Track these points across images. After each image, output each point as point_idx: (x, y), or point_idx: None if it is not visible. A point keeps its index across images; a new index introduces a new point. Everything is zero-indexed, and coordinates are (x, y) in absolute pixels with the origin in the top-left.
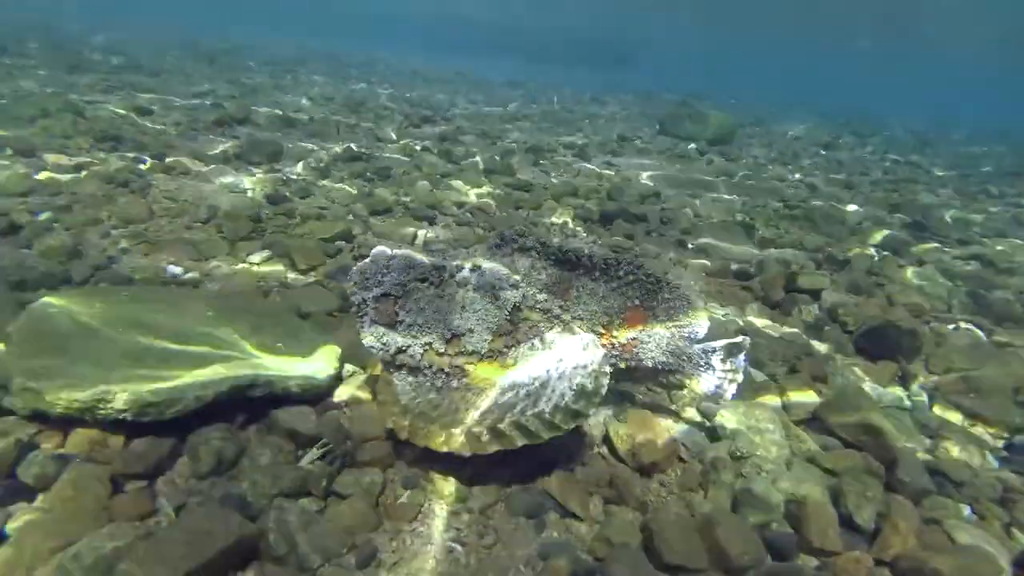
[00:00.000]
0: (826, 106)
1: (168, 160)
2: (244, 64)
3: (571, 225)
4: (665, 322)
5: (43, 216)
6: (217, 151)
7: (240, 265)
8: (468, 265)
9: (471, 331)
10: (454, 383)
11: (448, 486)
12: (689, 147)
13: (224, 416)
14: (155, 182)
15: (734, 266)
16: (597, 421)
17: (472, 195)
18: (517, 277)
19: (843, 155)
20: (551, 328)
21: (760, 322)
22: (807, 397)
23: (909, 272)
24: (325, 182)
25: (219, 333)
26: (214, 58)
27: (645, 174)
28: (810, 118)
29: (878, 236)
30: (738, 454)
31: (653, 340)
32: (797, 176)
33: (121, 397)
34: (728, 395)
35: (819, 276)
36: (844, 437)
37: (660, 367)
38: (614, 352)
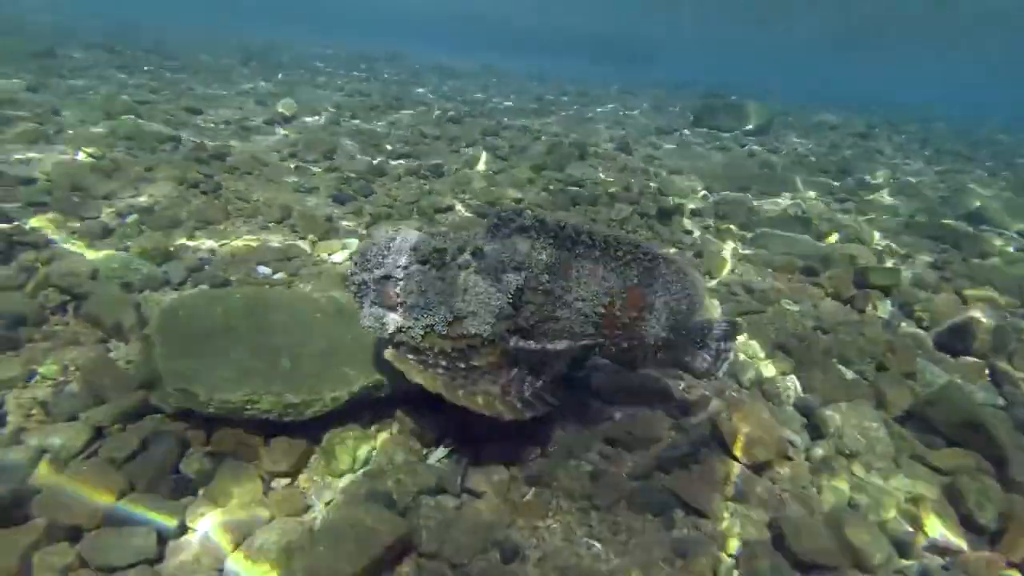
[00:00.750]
0: (852, 100)
1: (229, 160)
2: (278, 61)
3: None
4: (664, 298)
5: (130, 219)
6: (273, 150)
7: (324, 265)
8: (470, 249)
9: (473, 314)
10: (461, 365)
11: (570, 482)
12: (728, 138)
13: (352, 416)
14: (223, 183)
15: (800, 262)
16: (706, 418)
17: (531, 192)
18: (520, 259)
19: (882, 144)
20: (555, 313)
21: (835, 318)
22: (901, 395)
23: (975, 265)
24: (383, 180)
25: (336, 333)
26: (252, 57)
27: (686, 164)
28: (840, 111)
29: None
30: (847, 452)
31: (654, 317)
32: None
33: (267, 399)
34: (720, 372)
35: (890, 271)
36: (947, 435)
37: (660, 343)
38: (617, 332)
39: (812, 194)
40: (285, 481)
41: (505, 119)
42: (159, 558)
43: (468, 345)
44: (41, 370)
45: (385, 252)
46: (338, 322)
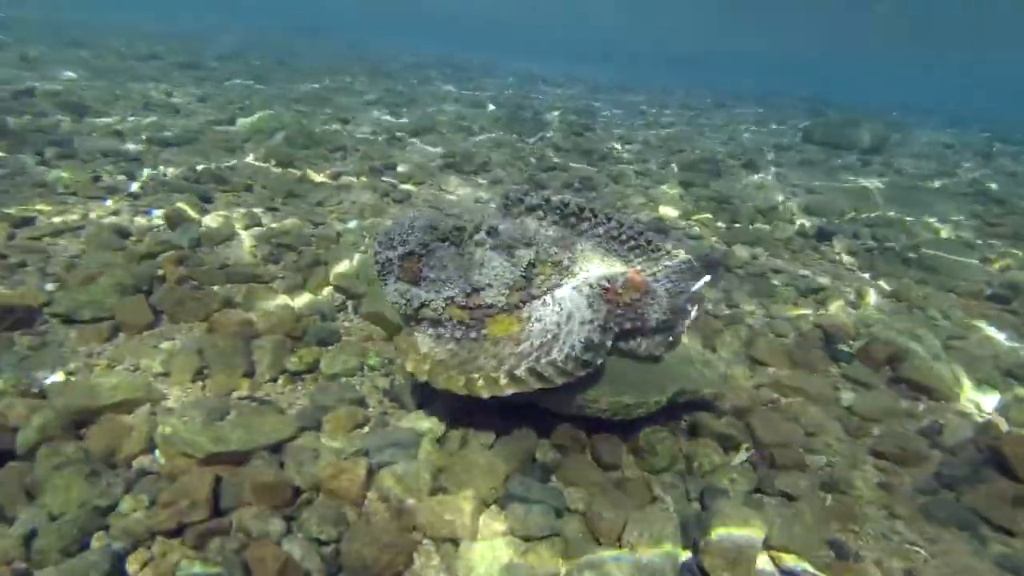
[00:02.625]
0: (948, 111)
1: (400, 169)
2: (387, 69)
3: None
4: (664, 283)
5: (351, 224)
6: (429, 161)
7: None
8: (485, 227)
9: (489, 286)
10: (472, 335)
11: (868, 491)
12: (848, 158)
13: (655, 419)
14: (409, 190)
15: (988, 290)
16: (967, 434)
17: (677, 210)
18: (530, 235)
19: (1006, 162)
20: (562, 282)
21: None
22: None
23: None
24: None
25: None
26: (363, 65)
27: (816, 183)
28: (941, 124)
29: None
30: None
31: (656, 303)
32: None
33: (605, 399)
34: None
35: None
36: None
37: (659, 325)
38: (619, 312)
39: (960, 217)
40: (615, 474)
41: (623, 131)
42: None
43: (484, 314)
44: (369, 362)
45: (408, 231)
46: None
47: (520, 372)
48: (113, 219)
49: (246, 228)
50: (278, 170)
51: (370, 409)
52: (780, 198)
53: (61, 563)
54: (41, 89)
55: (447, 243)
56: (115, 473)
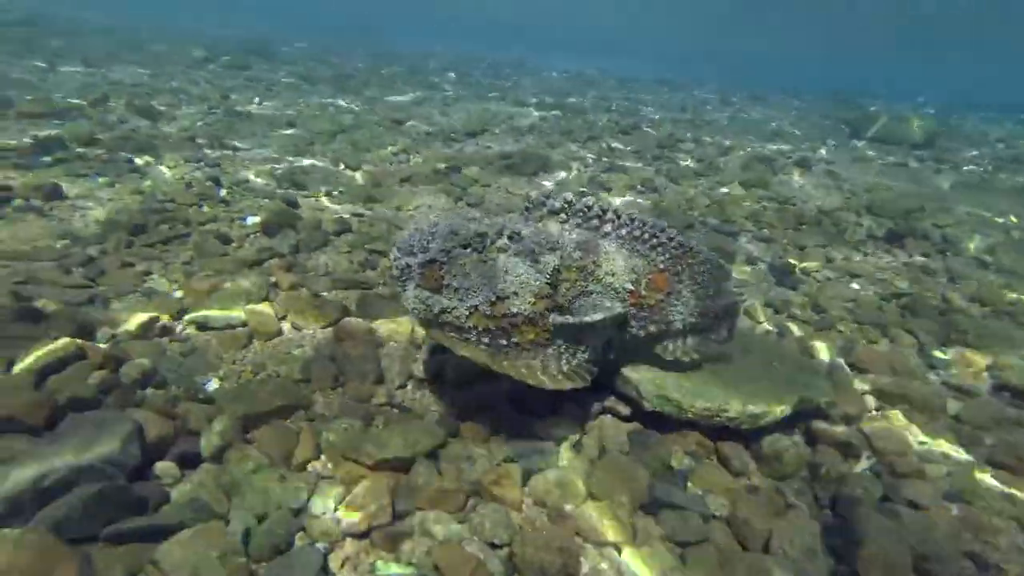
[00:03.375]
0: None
1: (465, 172)
2: (430, 69)
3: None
4: (691, 286)
5: None
6: (488, 162)
7: None
8: (507, 232)
9: (515, 294)
10: (502, 342)
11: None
12: (900, 153)
13: (775, 428)
14: (479, 192)
15: None
16: None
17: (743, 212)
18: (554, 240)
19: None
20: (588, 287)
21: None
22: None
23: None
24: (609, 196)
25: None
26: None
27: (868, 179)
28: (991, 116)
29: None
30: None
31: (681, 303)
32: None
33: (735, 408)
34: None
35: None
36: None
37: (689, 328)
38: (643, 314)
39: None
40: (744, 480)
41: (672, 129)
42: None
43: (510, 324)
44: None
45: (429, 237)
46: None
47: (566, 370)
48: (212, 226)
49: (337, 235)
50: (350, 173)
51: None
52: (841, 198)
53: (273, 560)
54: (114, 94)
55: (469, 249)
56: (299, 477)
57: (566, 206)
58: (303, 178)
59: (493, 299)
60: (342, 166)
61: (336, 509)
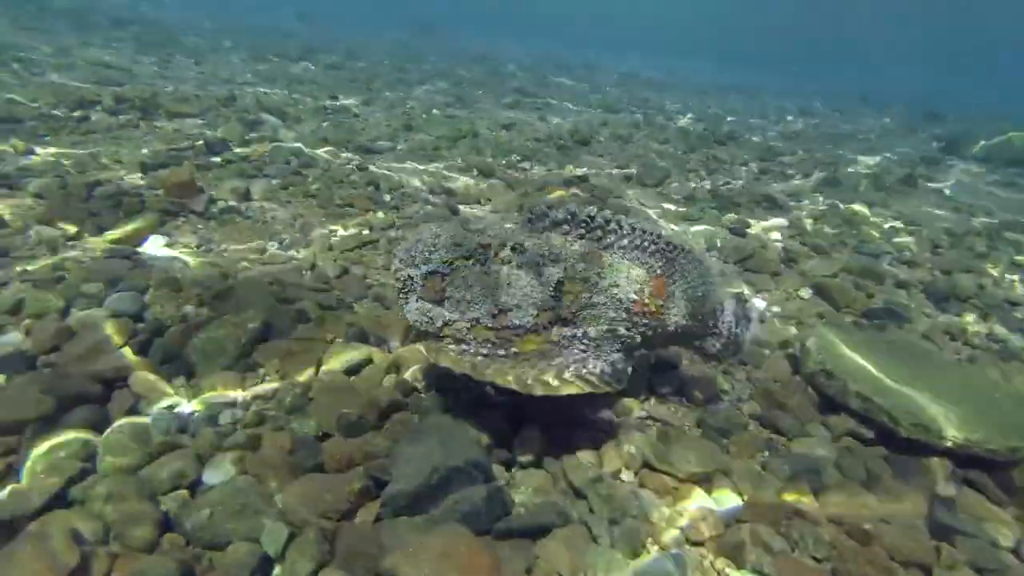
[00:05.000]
0: None
1: (592, 181)
2: (504, 71)
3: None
4: (681, 286)
5: None
6: (602, 170)
7: (793, 300)
8: (510, 244)
9: (517, 307)
10: (500, 352)
11: None
12: (1010, 171)
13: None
14: (612, 202)
15: None
16: None
17: (877, 232)
18: (557, 252)
19: None
20: (592, 299)
21: None
22: None
23: None
24: (737, 214)
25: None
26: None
27: (982, 201)
28: None
29: None
30: None
31: (675, 305)
32: None
33: (995, 441)
34: (732, 358)
35: None
36: None
37: (680, 331)
38: (645, 320)
39: None
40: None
41: (770, 142)
42: None
43: (512, 334)
44: (723, 387)
45: (432, 248)
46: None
47: (568, 375)
48: (395, 232)
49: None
50: (488, 181)
51: (759, 433)
52: (968, 221)
53: (636, 563)
54: (239, 93)
55: (472, 261)
56: (621, 486)
57: (569, 217)
58: (449, 185)
59: (495, 312)
60: (476, 172)
61: (672, 518)
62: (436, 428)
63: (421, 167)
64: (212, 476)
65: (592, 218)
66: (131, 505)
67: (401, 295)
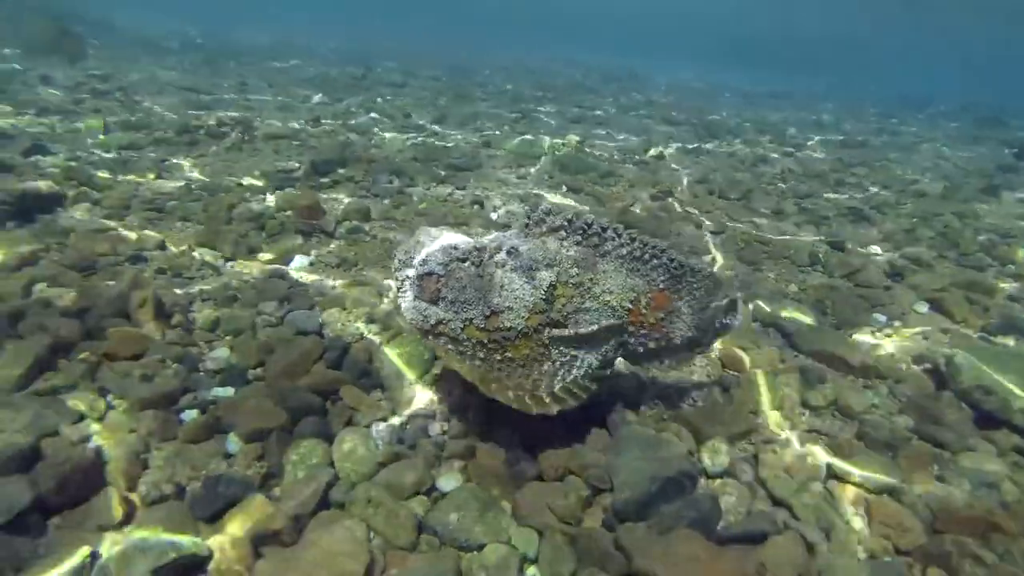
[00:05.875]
0: None
1: (677, 194)
2: (555, 83)
3: None
4: (688, 300)
5: (712, 257)
6: (698, 182)
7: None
8: (505, 247)
9: (509, 308)
10: (496, 356)
11: None
12: None
13: None
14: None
15: None
16: None
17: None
18: (551, 256)
19: None
20: (584, 305)
21: None
22: None
23: None
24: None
25: None
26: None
27: None
28: None
29: None
30: None
31: (682, 320)
32: None
33: None
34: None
35: None
36: None
37: (684, 343)
38: (643, 331)
39: None
40: None
41: (825, 155)
42: None
43: (504, 337)
44: (873, 401)
45: (429, 250)
46: None
47: (558, 391)
48: None
49: None
50: (576, 196)
51: (922, 446)
52: None
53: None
54: (322, 115)
55: (467, 263)
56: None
57: (566, 223)
58: (544, 203)
59: (487, 313)
60: (564, 188)
61: (875, 527)
62: (635, 440)
63: (511, 185)
64: (445, 483)
65: (589, 225)
66: (391, 508)
67: (399, 294)
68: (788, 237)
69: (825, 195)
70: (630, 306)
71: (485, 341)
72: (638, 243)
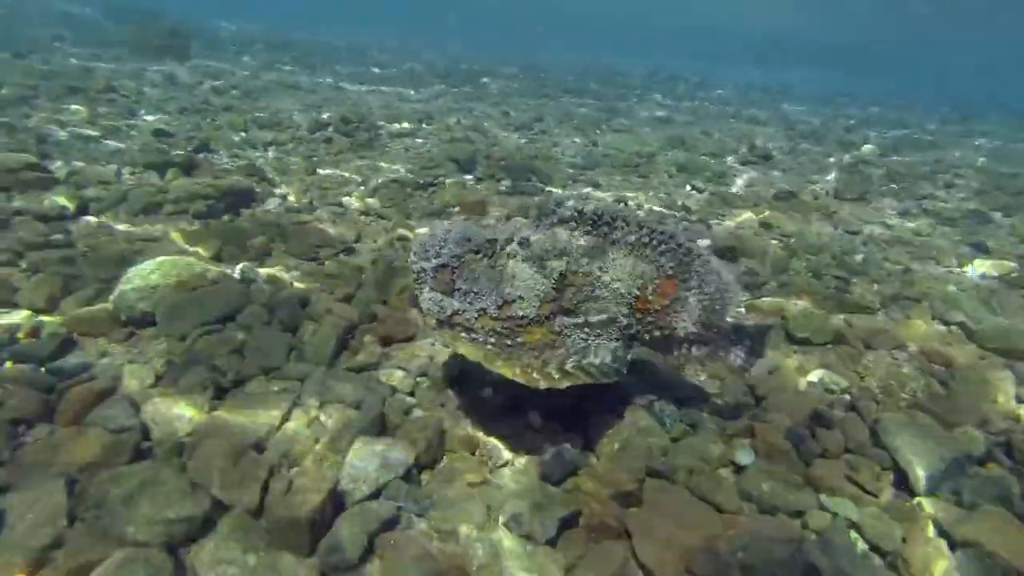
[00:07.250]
0: None
1: (797, 201)
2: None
3: None
4: (697, 295)
5: (863, 255)
6: (824, 190)
7: None
8: (517, 239)
9: (520, 298)
10: (507, 343)
11: None
12: None
13: None
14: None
15: None
16: None
17: None
18: (561, 246)
19: None
20: (594, 293)
21: None
22: None
23: None
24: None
25: None
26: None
27: None
28: None
29: None
30: None
31: (686, 311)
32: None
33: None
34: (753, 370)
35: None
36: None
37: (691, 338)
38: (648, 319)
39: None
40: None
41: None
42: None
43: (517, 325)
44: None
45: (443, 243)
46: None
47: (569, 367)
48: None
49: (789, 261)
50: (705, 196)
51: None
52: None
53: None
54: (436, 115)
55: (480, 255)
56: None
57: (576, 215)
58: (682, 202)
59: (500, 302)
60: (689, 188)
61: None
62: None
63: (635, 185)
64: (742, 457)
65: (600, 215)
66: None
67: (417, 286)
68: (923, 238)
69: (947, 200)
70: (638, 292)
71: (499, 329)
72: (646, 230)
